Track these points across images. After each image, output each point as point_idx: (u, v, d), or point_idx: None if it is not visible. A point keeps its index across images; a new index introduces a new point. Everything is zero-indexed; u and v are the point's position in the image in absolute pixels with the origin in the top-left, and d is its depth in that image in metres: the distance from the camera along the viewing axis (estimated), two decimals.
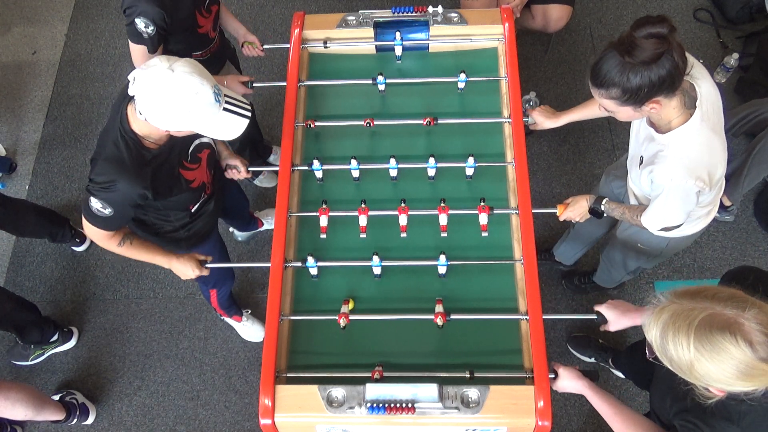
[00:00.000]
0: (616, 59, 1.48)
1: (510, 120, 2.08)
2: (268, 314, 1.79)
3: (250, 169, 2.15)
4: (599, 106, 1.68)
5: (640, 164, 1.81)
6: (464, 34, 2.24)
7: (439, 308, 1.76)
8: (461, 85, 2.15)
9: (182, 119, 1.56)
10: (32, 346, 2.74)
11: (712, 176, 1.63)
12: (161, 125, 1.58)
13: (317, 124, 2.12)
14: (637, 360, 2.07)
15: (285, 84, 2.18)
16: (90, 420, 2.66)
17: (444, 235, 1.94)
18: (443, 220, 1.92)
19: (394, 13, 2.20)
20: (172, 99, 1.52)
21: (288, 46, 2.26)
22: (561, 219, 2.05)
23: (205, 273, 2.04)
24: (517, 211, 1.92)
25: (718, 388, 1.17)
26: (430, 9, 2.21)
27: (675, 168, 1.61)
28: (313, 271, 1.90)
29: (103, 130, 1.76)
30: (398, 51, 2.24)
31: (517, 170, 1.97)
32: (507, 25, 2.21)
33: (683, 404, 1.33)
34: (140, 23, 1.92)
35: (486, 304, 1.82)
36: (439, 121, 2.06)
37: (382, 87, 2.16)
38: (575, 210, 2.00)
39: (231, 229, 2.96)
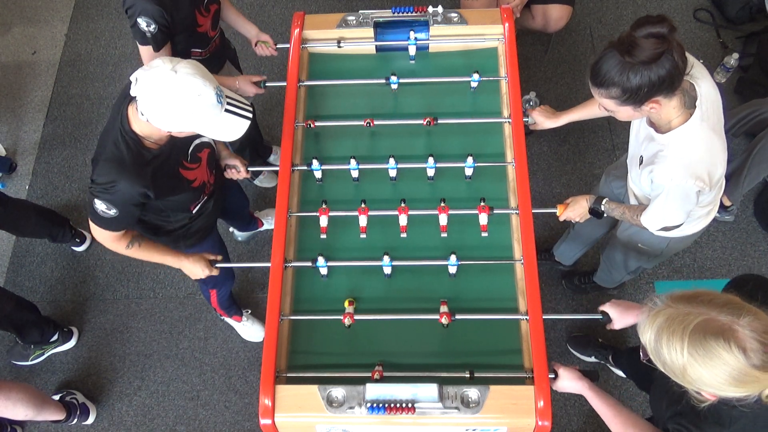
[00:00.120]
0: (616, 59, 1.48)
1: (510, 120, 2.08)
2: (268, 314, 1.79)
3: (249, 169, 2.15)
4: (599, 106, 1.68)
5: (640, 164, 1.81)
6: (464, 34, 2.24)
7: (443, 309, 1.76)
8: (474, 84, 2.15)
9: (184, 120, 1.57)
10: (32, 346, 2.74)
11: (712, 176, 1.63)
12: (163, 126, 1.58)
13: (317, 124, 2.12)
14: (638, 360, 2.07)
15: (285, 84, 2.18)
16: (90, 420, 2.67)
17: (444, 235, 1.94)
18: (443, 220, 1.92)
19: (394, 13, 2.20)
20: (175, 100, 1.52)
21: (288, 46, 2.26)
22: (561, 219, 2.05)
23: (215, 272, 2.05)
24: (517, 211, 1.92)
25: (710, 392, 1.18)
26: (430, 9, 2.21)
27: (675, 168, 1.61)
28: (323, 271, 1.90)
29: (103, 131, 1.76)
30: (412, 51, 2.24)
31: (517, 170, 1.97)
32: (507, 25, 2.21)
33: (677, 407, 1.34)
34: (142, 23, 1.93)
35: (486, 304, 1.82)
36: (439, 121, 2.06)
37: (395, 86, 2.15)
38: (575, 210, 2.00)
39: (231, 229, 2.96)
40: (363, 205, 1.92)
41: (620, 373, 2.56)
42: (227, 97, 1.63)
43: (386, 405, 1.60)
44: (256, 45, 2.44)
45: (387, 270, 1.88)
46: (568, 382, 1.62)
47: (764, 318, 1.12)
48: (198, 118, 1.57)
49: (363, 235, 1.95)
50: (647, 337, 1.20)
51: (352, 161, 1.99)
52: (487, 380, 1.66)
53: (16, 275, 3.03)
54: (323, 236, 1.96)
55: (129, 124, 1.66)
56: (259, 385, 1.68)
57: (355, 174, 2.03)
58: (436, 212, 1.92)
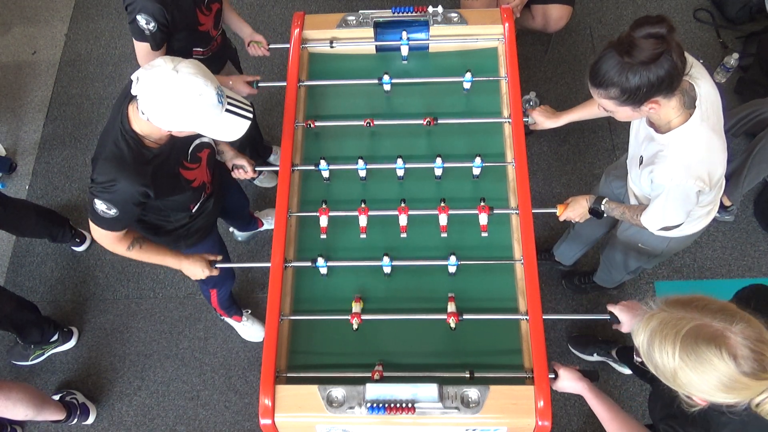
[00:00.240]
0: (615, 59, 1.48)
1: (510, 120, 2.08)
2: (268, 314, 1.79)
3: (255, 168, 2.15)
4: (599, 106, 1.68)
5: (640, 164, 1.81)
6: (464, 34, 2.24)
7: (451, 308, 1.76)
8: (467, 85, 2.15)
9: (185, 120, 1.57)
10: (32, 346, 2.74)
11: (712, 176, 1.63)
12: (164, 125, 1.58)
13: (317, 124, 2.12)
14: None
15: (285, 84, 2.18)
16: (90, 420, 2.67)
17: (444, 235, 1.94)
18: (443, 220, 1.92)
19: (394, 13, 2.20)
20: (176, 100, 1.52)
21: (288, 46, 2.26)
22: (561, 219, 2.05)
23: (215, 273, 2.05)
24: (517, 211, 1.92)
25: (700, 397, 1.18)
26: (430, 9, 2.21)
27: (675, 168, 1.61)
28: (323, 271, 1.90)
29: (103, 130, 1.76)
30: (404, 51, 2.24)
31: (517, 170, 1.97)
32: (507, 25, 2.21)
33: (670, 410, 1.34)
34: (141, 20, 1.93)
35: (486, 304, 1.82)
36: (439, 121, 2.06)
37: (387, 87, 2.15)
38: (575, 210, 2.00)
39: (231, 229, 2.96)
40: (363, 205, 1.92)
41: (625, 370, 2.55)
42: (228, 97, 1.63)
43: (386, 405, 1.60)
44: (248, 45, 2.44)
45: (387, 270, 1.88)
46: (568, 382, 1.62)
47: (757, 325, 1.12)
48: (199, 117, 1.57)
49: (363, 235, 1.95)
50: (640, 340, 1.20)
51: (360, 161, 1.98)
52: (487, 380, 1.66)
53: (16, 275, 3.03)
54: (323, 236, 1.96)
55: (129, 124, 1.66)
56: (259, 385, 1.68)
57: (362, 174, 2.03)
58: (436, 212, 1.91)
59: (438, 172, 2.02)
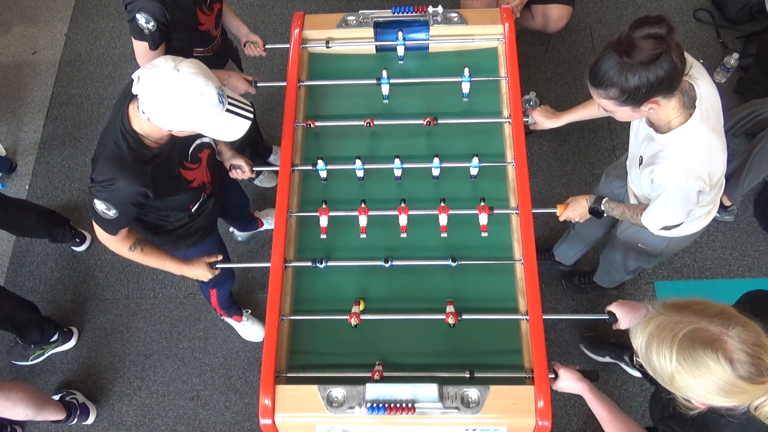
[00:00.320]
0: (614, 59, 1.48)
1: (510, 120, 2.08)
2: (268, 314, 1.79)
3: (252, 168, 2.15)
4: (599, 106, 1.68)
5: (640, 164, 1.81)
6: (464, 34, 2.24)
7: (450, 309, 1.76)
8: (465, 87, 2.14)
9: (186, 119, 1.57)
10: (32, 346, 2.74)
11: (712, 176, 1.63)
12: (164, 125, 1.58)
13: (317, 124, 2.12)
14: None
15: (285, 84, 2.18)
16: (90, 420, 2.67)
17: (444, 235, 1.94)
18: (443, 220, 1.92)
19: (394, 13, 2.20)
20: (177, 99, 1.52)
21: (288, 46, 2.26)
22: (561, 219, 2.05)
23: (217, 273, 2.06)
24: (517, 211, 1.92)
25: (698, 401, 1.18)
26: (430, 9, 2.21)
27: (675, 168, 1.61)
28: (321, 266, 1.90)
29: (104, 130, 1.77)
30: (400, 51, 2.24)
31: (517, 170, 1.97)
32: (507, 25, 2.21)
33: (669, 412, 1.34)
34: (141, 19, 1.93)
35: (486, 304, 1.82)
36: (439, 121, 2.06)
37: (386, 87, 2.15)
38: (575, 210, 2.00)
39: (231, 229, 2.96)
40: (363, 205, 1.92)
41: (636, 374, 2.55)
42: (228, 97, 1.63)
43: (386, 405, 1.60)
44: (245, 45, 2.44)
45: (389, 269, 1.88)
46: (568, 382, 1.62)
47: (754, 329, 1.12)
48: (199, 117, 1.57)
49: (363, 235, 1.95)
50: (638, 343, 1.20)
51: (358, 161, 1.99)
52: (487, 380, 1.66)
53: (16, 275, 3.03)
54: (323, 236, 1.96)
55: (130, 123, 1.66)
56: (259, 385, 1.68)
57: (360, 174, 2.03)
58: (436, 212, 1.91)
59: (435, 172, 2.02)
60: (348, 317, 1.77)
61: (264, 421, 1.66)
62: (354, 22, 2.24)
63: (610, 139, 3.16)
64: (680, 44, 1.47)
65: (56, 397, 2.63)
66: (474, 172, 2.02)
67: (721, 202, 2.74)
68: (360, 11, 2.25)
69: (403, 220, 1.93)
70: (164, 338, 2.84)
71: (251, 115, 1.68)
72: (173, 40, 2.09)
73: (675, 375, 1.14)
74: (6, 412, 2.26)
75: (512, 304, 1.84)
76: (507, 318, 1.80)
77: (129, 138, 1.66)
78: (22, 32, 3.79)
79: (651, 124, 1.70)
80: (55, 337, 2.76)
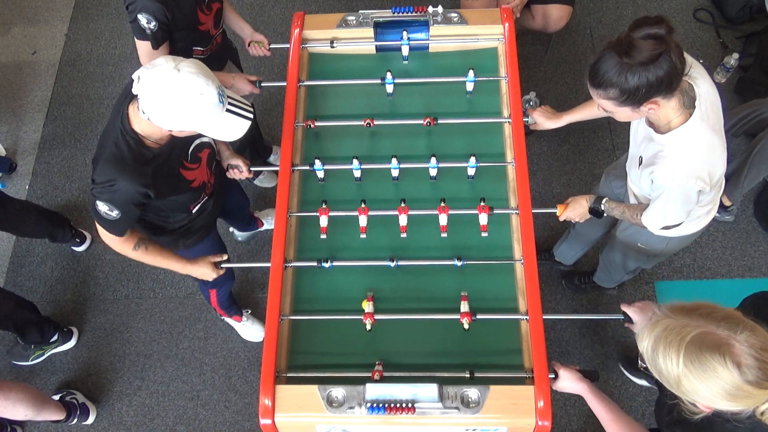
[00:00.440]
0: (614, 60, 1.48)
1: (510, 120, 2.08)
2: (268, 314, 1.79)
3: (250, 168, 2.15)
4: (599, 106, 1.68)
5: (640, 165, 1.81)
6: (464, 34, 2.24)
7: (464, 308, 1.76)
8: (469, 86, 2.14)
9: (186, 119, 1.57)
10: (32, 346, 2.74)
11: (712, 176, 1.63)
12: (164, 125, 1.58)
13: (317, 124, 2.12)
14: None
15: (285, 84, 2.18)
16: (90, 420, 2.67)
17: (444, 235, 1.94)
18: (443, 220, 1.92)
19: (394, 13, 2.20)
20: (177, 99, 1.52)
21: (288, 46, 2.26)
22: (561, 219, 2.05)
23: (222, 273, 2.06)
24: (517, 211, 1.92)
25: (704, 404, 1.18)
26: (430, 9, 2.21)
27: (676, 168, 1.61)
28: (326, 266, 1.90)
29: (104, 131, 1.77)
30: (405, 51, 2.24)
31: (517, 170, 1.97)
32: (507, 25, 2.21)
33: (674, 416, 1.34)
34: (142, 19, 1.93)
35: (486, 304, 1.82)
36: (439, 121, 2.06)
37: (390, 87, 2.15)
38: (575, 210, 2.00)
39: (231, 229, 2.96)
40: (363, 205, 1.92)
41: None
42: (228, 97, 1.63)
43: (386, 405, 1.60)
44: (249, 45, 2.44)
45: (390, 269, 1.88)
46: (568, 382, 1.62)
47: (762, 334, 1.12)
48: (199, 117, 1.57)
49: (363, 235, 1.95)
50: (644, 346, 1.20)
51: (355, 161, 1.99)
52: (487, 380, 1.66)
53: (16, 275, 3.03)
54: (323, 236, 1.96)
55: (129, 123, 1.66)
56: (259, 385, 1.68)
57: (357, 174, 2.03)
58: (436, 212, 1.91)
59: (433, 172, 2.02)
60: (362, 317, 1.76)
61: (264, 421, 1.66)
62: (354, 22, 2.24)
63: (610, 139, 3.16)
64: (680, 44, 1.47)
65: (56, 397, 2.63)
66: (471, 172, 2.02)
67: (721, 202, 2.74)
68: (360, 11, 2.25)
69: (403, 220, 1.93)
70: (164, 338, 2.84)
71: (251, 115, 1.68)
72: (172, 39, 2.09)
73: (681, 378, 1.14)
74: (6, 412, 2.26)
75: (512, 304, 1.84)
76: (507, 318, 1.80)
77: (129, 138, 1.66)
78: (22, 32, 3.79)
79: (651, 124, 1.70)
80: (55, 338, 2.76)
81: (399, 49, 2.25)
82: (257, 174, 3.06)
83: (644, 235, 1.99)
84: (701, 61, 1.69)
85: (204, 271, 2.02)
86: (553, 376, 1.65)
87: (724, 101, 1.69)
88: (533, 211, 1.90)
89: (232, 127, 1.65)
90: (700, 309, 1.17)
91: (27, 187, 3.26)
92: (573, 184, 3.05)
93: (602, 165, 3.06)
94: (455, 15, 2.23)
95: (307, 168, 2.05)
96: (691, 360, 1.11)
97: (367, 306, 1.81)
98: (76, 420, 2.61)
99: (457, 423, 1.63)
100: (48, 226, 2.85)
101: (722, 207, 2.85)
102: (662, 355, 1.16)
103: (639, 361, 1.30)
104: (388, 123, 2.13)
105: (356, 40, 2.26)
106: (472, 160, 1.96)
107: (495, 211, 1.91)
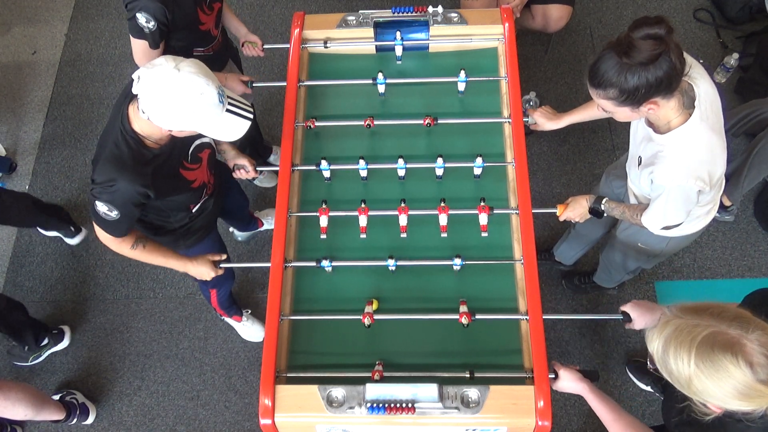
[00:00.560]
0: (613, 60, 1.48)
1: (510, 120, 2.08)
2: (268, 314, 1.79)
3: (256, 168, 2.15)
4: (599, 107, 1.68)
5: (639, 165, 1.81)
6: (464, 34, 2.24)
7: (463, 309, 1.76)
8: (461, 87, 2.15)
9: (186, 119, 1.56)
10: (26, 348, 2.72)
11: (712, 176, 1.63)
12: (164, 125, 1.58)
13: (317, 124, 2.12)
14: None
15: (285, 84, 2.18)
16: (90, 420, 2.67)
17: (444, 235, 1.94)
18: (443, 220, 1.92)
19: (394, 13, 2.20)
20: (177, 98, 1.52)
21: (288, 46, 2.26)
22: (561, 219, 2.05)
23: (221, 273, 2.06)
24: (517, 211, 1.92)
25: (715, 404, 1.18)
26: (430, 9, 2.21)
27: (675, 168, 1.61)
28: (328, 270, 1.90)
29: (104, 131, 1.77)
30: (398, 51, 2.24)
31: (517, 170, 1.97)
32: (507, 25, 2.21)
33: (684, 417, 1.34)
34: (141, 18, 1.92)
35: (486, 304, 1.82)
36: (439, 121, 2.06)
37: (381, 88, 2.15)
38: (575, 210, 2.00)
39: (231, 229, 2.96)
40: (363, 205, 1.92)
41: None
42: (228, 97, 1.63)
43: (386, 405, 1.60)
44: (243, 45, 2.44)
45: (391, 269, 1.88)
46: (569, 382, 1.62)
47: None
48: (199, 117, 1.57)
49: (363, 235, 1.95)
50: (654, 346, 1.20)
51: (361, 161, 1.98)
52: (487, 380, 1.66)
53: (16, 275, 3.03)
54: (323, 236, 1.96)
55: (129, 124, 1.66)
56: (259, 385, 1.68)
57: (364, 174, 2.03)
58: (436, 212, 1.91)
59: (439, 171, 2.02)
60: (362, 317, 1.76)
61: (264, 421, 1.66)
62: (354, 22, 2.24)
63: (610, 139, 3.16)
64: (679, 45, 1.47)
65: (56, 397, 2.63)
66: (478, 171, 2.02)
67: (721, 202, 2.74)
68: (360, 11, 2.25)
69: (403, 220, 1.93)
70: (164, 338, 2.84)
71: (251, 116, 1.68)
72: (174, 39, 2.10)
73: (693, 378, 1.13)
74: (5, 411, 2.26)
75: (512, 304, 1.84)
76: (507, 318, 1.80)
77: (129, 139, 1.66)
78: (22, 32, 3.79)
79: (650, 124, 1.70)
80: (46, 341, 2.74)
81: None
82: (259, 173, 3.06)
83: (644, 235, 1.99)
84: (701, 61, 1.69)
85: (202, 270, 2.02)
86: (553, 376, 1.65)
87: (724, 101, 1.69)
88: (533, 211, 1.90)
89: (232, 127, 1.65)
90: (710, 309, 1.17)
91: (27, 187, 3.26)
92: (573, 184, 3.05)
93: (602, 165, 3.06)
94: (455, 15, 2.23)
95: (308, 168, 2.05)
96: (703, 360, 1.11)
97: (369, 307, 1.81)
98: (76, 420, 2.61)
99: (457, 423, 1.63)
100: (37, 215, 2.81)
101: (722, 207, 2.85)
102: (673, 356, 1.15)
103: (648, 363, 1.29)
104: (387, 123, 2.13)
105: (356, 40, 2.26)
106: (479, 160, 1.96)
107: (495, 211, 1.91)
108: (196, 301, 2.90)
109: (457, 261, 1.84)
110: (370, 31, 2.24)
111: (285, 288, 1.87)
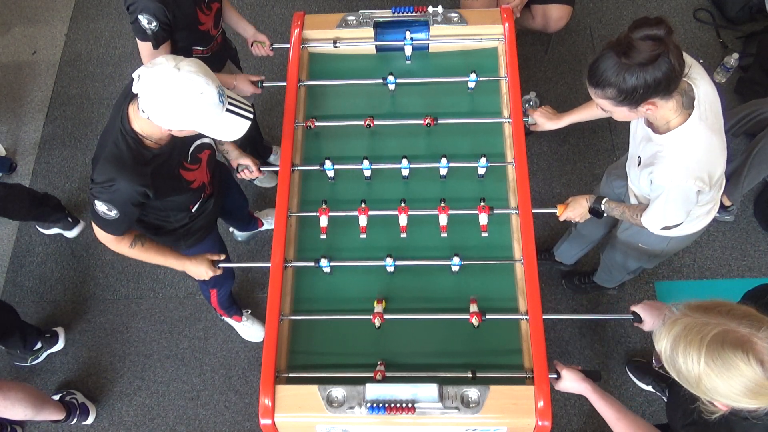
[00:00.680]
0: (612, 60, 1.48)
1: (510, 120, 2.08)
2: (268, 314, 1.79)
3: (260, 168, 2.15)
4: (598, 106, 1.68)
5: (638, 165, 1.81)
6: (464, 34, 2.24)
7: (473, 308, 1.76)
8: (471, 84, 2.15)
9: (186, 119, 1.56)
10: (18, 352, 2.70)
11: (711, 176, 1.63)
12: (164, 124, 1.58)
13: (317, 124, 2.12)
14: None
15: (285, 84, 2.18)
16: (90, 420, 2.67)
17: (444, 235, 1.94)
18: (443, 220, 1.92)
19: (394, 13, 2.20)
20: (177, 98, 1.52)
21: (288, 46, 2.26)
22: (561, 219, 2.05)
23: (219, 272, 2.05)
24: (517, 211, 1.92)
25: (723, 403, 1.18)
26: (430, 9, 2.21)
27: (675, 168, 1.61)
28: (326, 270, 1.90)
29: (103, 131, 1.77)
30: (408, 51, 2.23)
31: (517, 170, 1.97)
32: (507, 25, 2.21)
33: (691, 417, 1.34)
34: (143, 19, 1.93)
35: (486, 304, 1.82)
36: (439, 122, 2.06)
37: (392, 86, 2.15)
38: (575, 210, 2.00)
39: (231, 229, 2.96)
40: (363, 205, 1.92)
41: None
42: (228, 96, 1.63)
43: (386, 405, 1.60)
44: (252, 45, 2.44)
45: (390, 269, 1.88)
46: (571, 382, 1.62)
47: None
48: (199, 116, 1.57)
49: (363, 235, 1.95)
50: (662, 345, 1.19)
51: (365, 161, 1.98)
52: (487, 380, 1.66)
53: (16, 275, 3.03)
54: (323, 236, 1.96)
55: (129, 123, 1.66)
56: (259, 385, 1.68)
57: (368, 173, 2.03)
58: (436, 212, 1.91)
59: (443, 171, 2.02)
60: (371, 317, 1.76)
61: (264, 421, 1.66)
62: (354, 22, 2.24)
63: (610, 139, 3.16)
64: (679, 46, 1.47)
65: (56, 397, 2.63)
66: (482, 171, 2.02)
67: (721, 202, 2.73)
68: (360, 11, 2.25)
69: (403, 220, 1.93)
70: (164, 338, 2.84)
71: (251, 115, 1.68)
72: (172, 39, 2.10)
73: (702, 377, 1.13)
74: (5, 411, 2.26)
75: (512, 304, 1.84)
76: (507, 318, 1.80)
77: (129, 138, 1.66)
78: (22, 32, 3.79)
79: (650, 124, 1.70)
80: (39, 345, 2.72)
81: (399, 49, 2.25)
82: (262, 173, 3.06)
83: (645, 235, 1.99)
84: (701, 61, 1.69)
85: (201, 270, 2.01)
86: (555, 376, 1.65)
87: (724, 101, 1.69)
88: (533, 211, 1.90)
89: (232, 127, 1.65)
90: (718, 307, 1.17)
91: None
92: (573, 184, 3.05)
93: (602, 165, 3.06)
94: (455, 15, 2.23)
95: (308, 168, 2.05)
96: (713, 358, 1.11)
97: (378, 306, 1.81)
98: (75, 420, 2.61)
99: (457, 423, 1.63)
100: (32, 205, 2.80)
101: (722, 207, 2.85)
102: (682, 354, 1.15)
103: (653, 362, 1.29)
104: (387, 123, 2.13)
105: (356, 40, 2.26)
106: (483, 160, 1.96)
107: (495, 211, 1.91)
108: (196, 301, 2.90)
109: (456, 260, 1.84)
110: (370, 31, 2.24)
111: (285, 288, 1.87)
